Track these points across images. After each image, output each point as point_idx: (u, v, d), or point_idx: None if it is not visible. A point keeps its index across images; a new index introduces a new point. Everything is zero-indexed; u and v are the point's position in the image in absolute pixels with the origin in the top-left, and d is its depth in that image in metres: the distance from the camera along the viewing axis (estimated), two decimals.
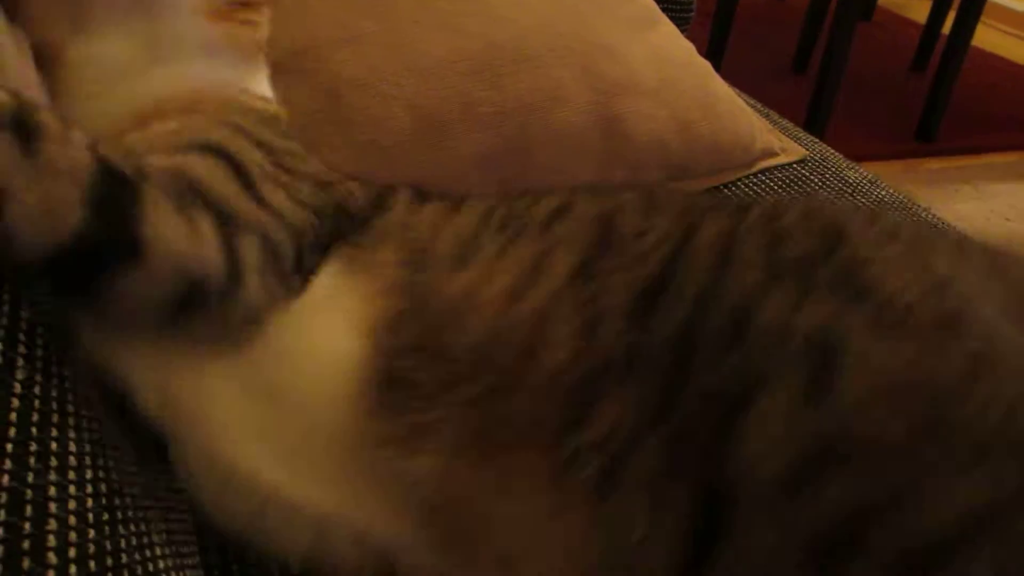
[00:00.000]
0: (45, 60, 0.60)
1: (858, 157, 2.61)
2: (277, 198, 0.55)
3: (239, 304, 0.49)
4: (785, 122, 1.28)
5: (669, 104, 1.02)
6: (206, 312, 0.48)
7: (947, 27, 2.83)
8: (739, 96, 1.20)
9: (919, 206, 1.09)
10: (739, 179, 1.08)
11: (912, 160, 2.65)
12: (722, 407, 0.44)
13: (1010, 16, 3.98)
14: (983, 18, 2.69)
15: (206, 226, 0.48)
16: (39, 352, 0.42)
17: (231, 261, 0.49)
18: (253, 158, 0.56)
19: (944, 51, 2.67)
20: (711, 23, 2.88)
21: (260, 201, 0.54)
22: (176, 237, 0.46)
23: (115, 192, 0.44)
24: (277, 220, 0.54)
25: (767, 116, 1.27)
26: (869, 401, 0.42)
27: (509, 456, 0.48)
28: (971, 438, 0.41)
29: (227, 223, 0.49)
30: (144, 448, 0.52)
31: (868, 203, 1.06)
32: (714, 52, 2.96)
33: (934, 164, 2.65)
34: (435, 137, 0.91)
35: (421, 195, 0.63)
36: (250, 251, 0.50)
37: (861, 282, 0.47)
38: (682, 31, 1.41)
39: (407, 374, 0.50)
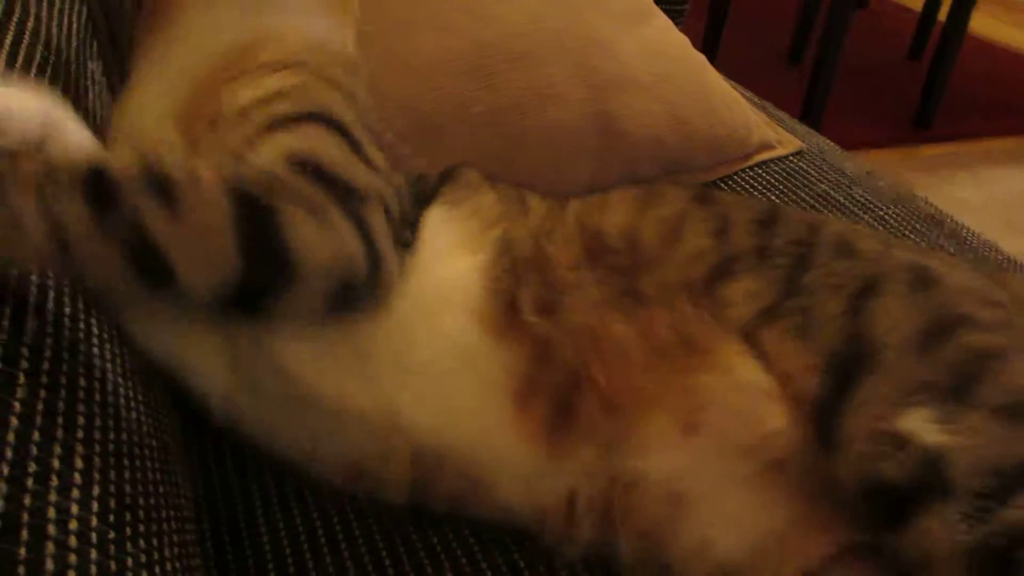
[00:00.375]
0: (153, 23, 0.67)
1: (855, 145, 2.61)
2: (377, 156, 0.61)
3: (384, 277, 0.56)
4: (781, 114, 1.28)
5: (664, 99, 1.02)
6: (359, 298, 0.55)
7: (942, 14, 2.82)
8: (735, 88, 1.19)
9: (917, 196, 1.08)
10: (736, 172, 1.07)
11: (909, 147, 2.64)
12: (846, 295, 0.57)
13: (1004, 1, 3.97)
14: (978, 4, 2.68)
15: (338, 218, 0.53)
16: (45, 366, 0.41)
17: (368, 241, 0.54)
18: (352, 117, 0.61)
19: (940, 38, 2.67)
20: (706, 15, 2.87)
21: (368, 163, 0.59)
22: (321, 248, 0.51)
23: (257, 224, 0.49)
24: (384, 179, 0.59)
25: (763, 108, 1.27)
26: (960, 286, 0.59)
27: (659, 307, 0.59)
28: None
29: (352, 201, 0.54)
30: (174, 446, 0.53)
31: (866, 194, 1.05)
32: (709, 44, 2.95)
33: (931, 151, 2.64)
34: (430, 139, 0.90)
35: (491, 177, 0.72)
36: (377, 219, 0.56)
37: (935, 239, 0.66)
38: (677, 24, 1.40)
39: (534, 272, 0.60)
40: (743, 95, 1.27)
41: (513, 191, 0.70)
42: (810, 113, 2.54)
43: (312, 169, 0.54)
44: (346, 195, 0.55)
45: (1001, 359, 0.54)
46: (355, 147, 0.59)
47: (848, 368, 0.54)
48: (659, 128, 1.00)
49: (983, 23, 3.28)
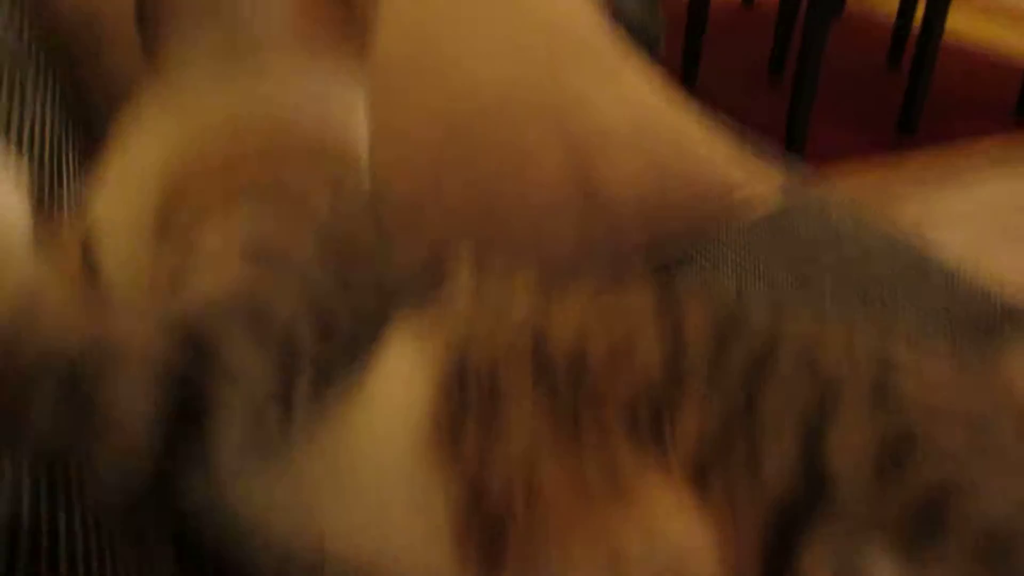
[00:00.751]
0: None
1: (840, 157, 2.61)
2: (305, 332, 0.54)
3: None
4: (764, 151, 1.25)
5: (645, 153, 0.99)
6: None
7: (918, 18, 2.81)
8: (717, 103, 1.17)
9: (910, 245, 1.06)
10: (721, 230, 1.05)
11: (894, 157, 2.63)
12: (806, 413, 0.53)
13: (978, 2, 3.97)
14: (952, 3, 2.67)
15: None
16: None
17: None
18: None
19: (917, 44, 2.66)
20: (684, 34, 2.87)
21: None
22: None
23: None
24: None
25: (744, 147, 1.24)
26: (925, 406, 0.53)
27: (596, 445, 0.54)
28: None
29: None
30: None
31: (856, 251, 1.03)
32: (689, 62, 2.94)
33: (917, 160, 2.63)
34: (405, 214, 0.88)
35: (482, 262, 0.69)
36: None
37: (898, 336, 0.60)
38: (652, 57, 1.38)
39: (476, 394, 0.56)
40: (724, 122, 1.24)
41: (499, 285, 0.65)
42: (795, 128, 2.53)
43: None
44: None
45: (967, 492, 0.49)
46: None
47: (798, 512, 0.50)
48: (641, 185, 0.98)
49: (957, 21, 3.28)
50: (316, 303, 0.55)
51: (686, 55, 2.91)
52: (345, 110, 0.65)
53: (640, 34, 1.38)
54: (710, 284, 0.94)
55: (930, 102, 2.72)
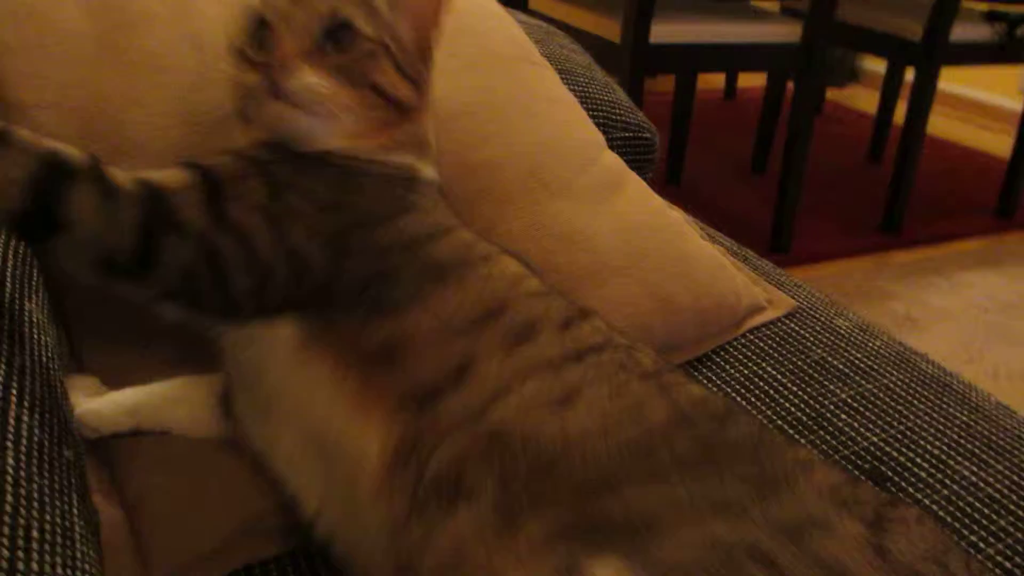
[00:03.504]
0: None
1: (827, 255, 2.60)
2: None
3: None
4: (764, 263, 1.23)
5: (643, 280, 0.96)
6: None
7: (897, 115, 2.86)
8: (711, 220, 1.15)
9: (917, 355, 1.03)
10: (728, 342, 1.02)
11: (881, 254, 2.64)
12: None
13: (956, 101, 4.08)
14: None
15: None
16: None
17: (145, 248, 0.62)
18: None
19: (900, 142, 2.70)
20: (668, 130, 2.89)
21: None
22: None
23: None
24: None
25: (745, 258, 1.22)
26: None
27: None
28: None
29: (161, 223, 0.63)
30: None
31: (865, 359, 1.00)
32: (674, 159, 2.97)
33: (903, 257, 2.64)
34: None
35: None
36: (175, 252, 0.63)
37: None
38: (647, 171, 1.37)
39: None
40: (722, 243, 1.23)
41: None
42: (781, 227, 2.54)
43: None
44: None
45: None
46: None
47: None
48: (643, 314, 0.94)
49: (936, 121, 3.35)
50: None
51: (671, 152, 2.94)
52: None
53: (639, 135, 1.38)
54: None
55: (912, 201, 2.75)
